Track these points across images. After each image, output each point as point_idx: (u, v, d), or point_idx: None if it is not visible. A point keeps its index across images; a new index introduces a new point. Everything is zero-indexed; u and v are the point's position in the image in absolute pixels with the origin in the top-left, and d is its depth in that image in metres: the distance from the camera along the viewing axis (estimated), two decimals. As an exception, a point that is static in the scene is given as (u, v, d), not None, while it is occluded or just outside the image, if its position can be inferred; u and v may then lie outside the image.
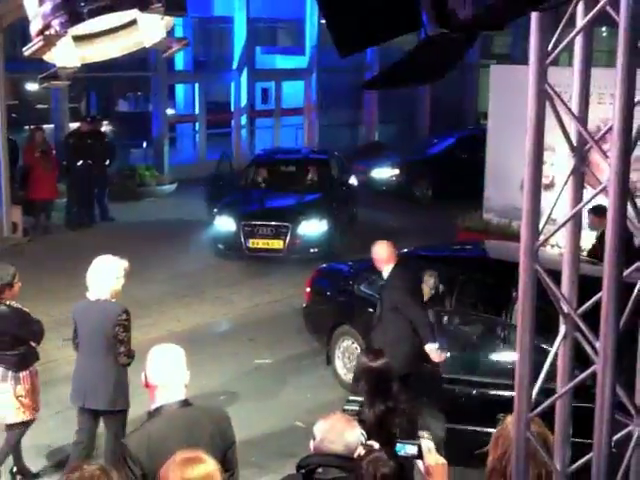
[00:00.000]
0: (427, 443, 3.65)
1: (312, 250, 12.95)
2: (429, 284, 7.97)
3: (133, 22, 1.77)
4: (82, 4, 1.64)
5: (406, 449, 3.60)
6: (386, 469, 3.35)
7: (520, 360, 2.84)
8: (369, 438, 4.41)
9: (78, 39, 1.73)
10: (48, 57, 1.78)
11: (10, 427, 6.54)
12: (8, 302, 6.34)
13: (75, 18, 1.65)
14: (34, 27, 1.72)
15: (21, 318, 6.40)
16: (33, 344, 6.53)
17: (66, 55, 1.69)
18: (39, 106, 19.55)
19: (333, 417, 3.91)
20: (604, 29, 22.98)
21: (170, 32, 2.12)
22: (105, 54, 1.80)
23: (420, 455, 3.61)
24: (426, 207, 17.23)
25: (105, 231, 14.56)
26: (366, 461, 3.42)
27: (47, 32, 1.62)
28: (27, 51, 1.75)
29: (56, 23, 1.63)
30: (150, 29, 1.78)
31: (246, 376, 8.88)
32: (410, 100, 24.04)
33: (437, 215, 15.52)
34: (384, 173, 18.28)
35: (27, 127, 16.87)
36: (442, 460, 3.62)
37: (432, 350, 6.93)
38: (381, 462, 3.39)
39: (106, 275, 6.18)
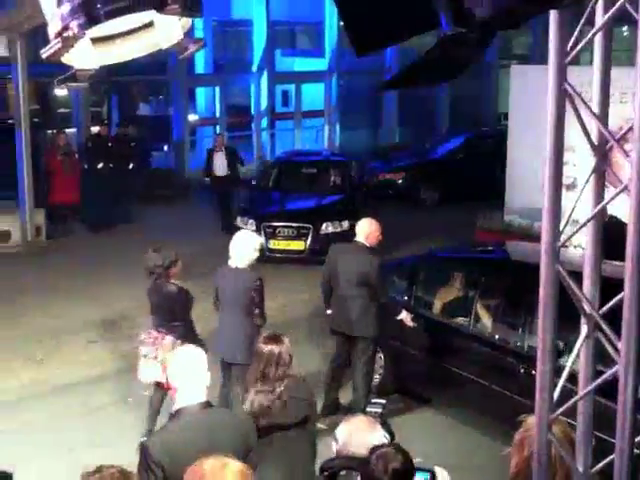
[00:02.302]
0: (441, 472, 3.59)
1: (333, 252, 12.93)
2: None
3: (150, 24, 1.78)
4: (99, 6, 1.65)
5: (418, 476, 3.50)
6: (396, 463, 3.28)
7: (541, 361, 2.82)
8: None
9: (96, 41, 1.74)
10: (66, 59, 1.79)
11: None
12: (173, 280, 7.06)
13: (93, 20, 1.66)
14: (52, 29, 1.73)
15: (185, 296, 7.07)
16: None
17: (84, 57, 1.70)
18: (61, 110, 19.67)
19: (356, 419, 3.87)
20: (625, 28, 22.79)
21: (188, 34, 2.13)
22: (123, 56, 1.80)
23: None
24: (434, 210, 16.96)
25: (127, 234, 14.62)
26: (375, 456, 3.34)
27: (65, 34, 1.62)
28: (45, 53, 1.76)
29: (74, 25, 1.64)
30: (167, 30, 1.78)
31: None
32: (430, 102, 23.99)
33: (447, 218, 15.34)
34: (390, 176, 18.01)
35: (49, 131, 17.01)
36: None
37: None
38: (390, 456, 3.31)
39: (245, 247, 7.07)
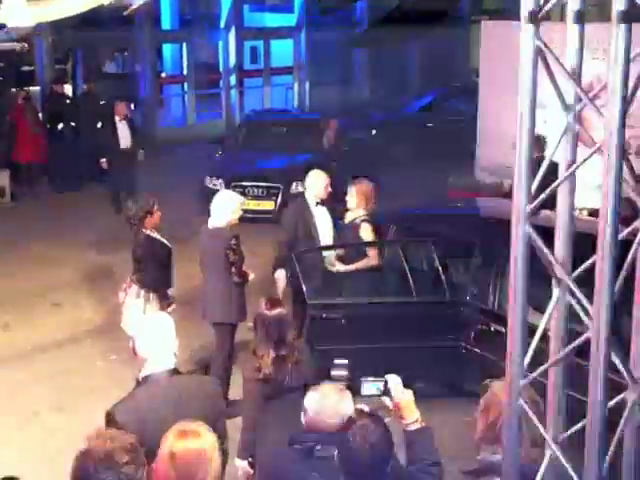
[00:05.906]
0: (393, 378, 3.63)
1: (303, 211, 12.83)
2: None
3: (90, -22, 1.66)
4: (31, -41, 1.52)
5: (372, 387, 3.58)
6: (374, 437, 3.26)
7: (511, 327, 2.77)
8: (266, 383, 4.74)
9: (31, -3, 1.62)
10: (-2, 17, 1.67)
11: None
12: (148, 231, 7.05)
13: (24, -26, 1.54)
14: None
15: (153, 246, 7.09)
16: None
17: (17, 15, 1.58)
18: (25, 68, 19.22)
19: (324, 388, 3.77)
20: (596, -17, 22.67)
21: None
22: (61, 12, 1.69)
23: (386, 391, 3.60)
24: (405, 168, 16.60)
25: (93, 194, 14.38)
26: (353, 429, 3.30)
27: (-9, -10, 1.50)
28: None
29: (1, -19, 1.52)
30: (109, -15, 1.67)
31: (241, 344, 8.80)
32: (400, 57, 23.72)
33: (419, 176, 15.12)
34: (360, 134, 17.60)
35: (13, 90, 16.60)
36: (409, 392, 3.64)
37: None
38: (369, 430, 3.28)
39: (223, 207, 7.10)
